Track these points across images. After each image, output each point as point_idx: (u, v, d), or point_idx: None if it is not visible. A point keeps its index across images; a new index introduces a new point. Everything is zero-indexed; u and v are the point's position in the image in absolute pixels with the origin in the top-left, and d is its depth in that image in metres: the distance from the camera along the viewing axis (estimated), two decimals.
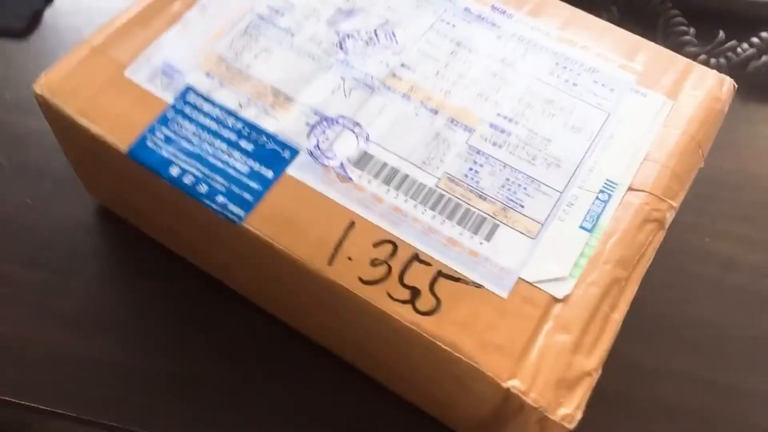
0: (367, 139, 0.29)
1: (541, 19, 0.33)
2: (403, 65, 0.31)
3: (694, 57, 0.36)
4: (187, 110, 0.29)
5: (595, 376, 0.24)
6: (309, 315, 0.31)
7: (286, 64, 0.30)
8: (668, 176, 0.28)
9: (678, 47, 0.38)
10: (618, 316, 0.25)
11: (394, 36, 0.32)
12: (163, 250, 0.34)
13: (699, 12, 0.39)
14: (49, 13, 0.44)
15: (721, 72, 0.32)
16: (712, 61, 0.38)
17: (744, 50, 0.38)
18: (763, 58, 0.38)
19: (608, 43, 0.33)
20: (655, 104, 0.31)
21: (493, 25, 0.33)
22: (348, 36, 0.31)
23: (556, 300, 0.25)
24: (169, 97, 0.29)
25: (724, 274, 0.35)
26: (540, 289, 0.25)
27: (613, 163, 0.29)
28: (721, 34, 0.38)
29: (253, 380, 0.32)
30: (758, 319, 0.34)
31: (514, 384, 0.24)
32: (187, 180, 0.27)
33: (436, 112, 0.29)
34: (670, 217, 0.28)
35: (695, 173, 0.30)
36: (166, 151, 0.28)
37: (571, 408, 0.23)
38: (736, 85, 0.32)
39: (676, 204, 0.28)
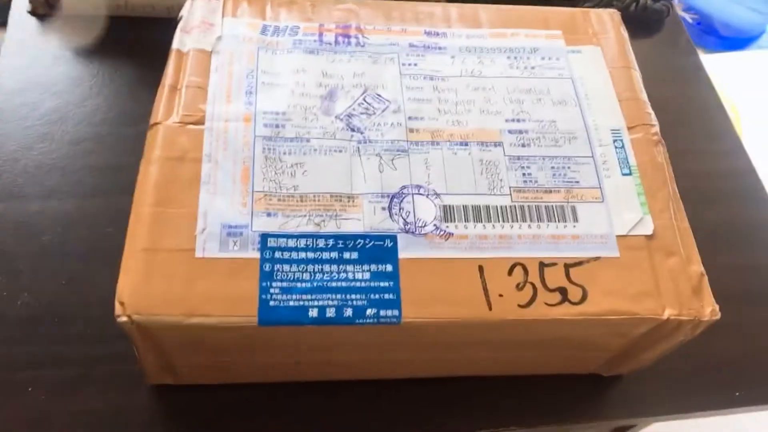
0: (437, 194, 0.31)
1: (467, 26, 0.38)
2: (410, 118, 0.33)
3: None
4: (278, 254, 0.29)
5: (705, 273, 0.31)
6: (439, 360, 0.34)
7: (324, 168, 0.31)
8: (640, 105, 0.36)
9: (574, 4, 0.45)
10: (686, 224, 0.32)
11: (381, 97, 0.34)
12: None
13: None
14: None
15: None
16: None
17: None
18: (641, 0, 0.48)
19: (525, 22, 0.38)
20: (592, 56, 0.37)
21: (439, 49, 0.36)
22: (349, 117, 0.33)
23: (649, 237, 0.31)
24: (252, 253, 0.29)
25: None
26: (634, 235, 0.31)
27: (604, 115, 0.35)
28: None
29: None
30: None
31: (670, 313, 0.30)
32: (330, 313, 0.28)
33: (466, 144, 0.33)
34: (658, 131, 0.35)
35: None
36: (293, 301, 0.28)
37: (710, 304, 0.30)
38: (619, 12, 0.40)
39: (656, 122, 0.35)
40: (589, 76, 0.36)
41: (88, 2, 0.46)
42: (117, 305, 0.27)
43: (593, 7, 0.49)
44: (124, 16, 0.47)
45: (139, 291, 0.27)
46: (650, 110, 0.36)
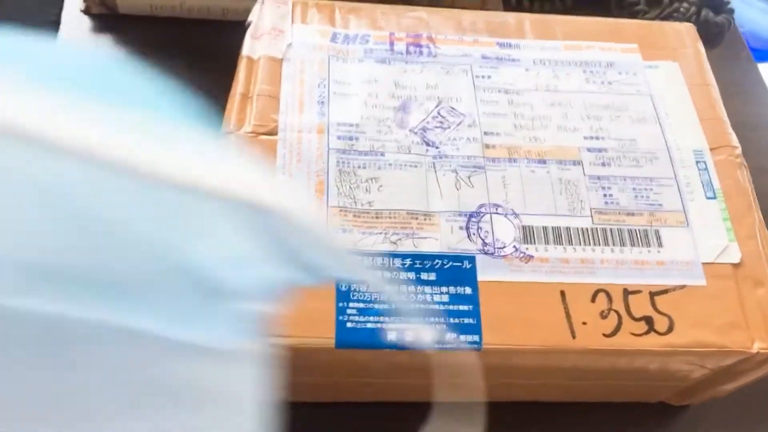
0: (515, 214, 0.30)
1: (541, 38, 0.36)
2: (486, 133, 0.32)
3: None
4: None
5: None
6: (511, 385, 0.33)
7: (400, 184, 0.30)
8: (722, 125, 0.34)
9: (633, 16, 0.43)
10: None
11: (456, 110, 0.33)
12: None
13: None
14: None
15: None
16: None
17: (686, 9, 0.45)
18: (702, 12, 0.46)
19: (599, 34, 0.37)
20: (669, 71, 0.36)
21: (513, 61, 0.35)
22: (423, 130, 0.32)
23: (736, 265, 0.30)
24: None
25: None
26: (720, 263, 0.30)
27: (686, 135, 0.33)
28: None
29: None
30: None
31: (759, 346, 0.28)
32: (409, 336, 0.27)
33: (544, 162, 0.32)
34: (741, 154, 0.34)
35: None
36: (370, 323, 0.27)
37: None
38: (695, 26, 0.39)
39: (738, 143, 0.34)
40: (668, 93, 0.35)
41: (144, 2, 0.45)
42: None
43: (656, 19, 0.48)
44: (180, 18, 0.46)
45: None
46: (731, 131, 0.34)
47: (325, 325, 0.27)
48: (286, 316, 0.27)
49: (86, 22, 0.46)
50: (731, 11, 0.49)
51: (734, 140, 0.34)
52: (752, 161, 0.42)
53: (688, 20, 0.49)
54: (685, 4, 0.47)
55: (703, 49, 0.37)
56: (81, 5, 0.46)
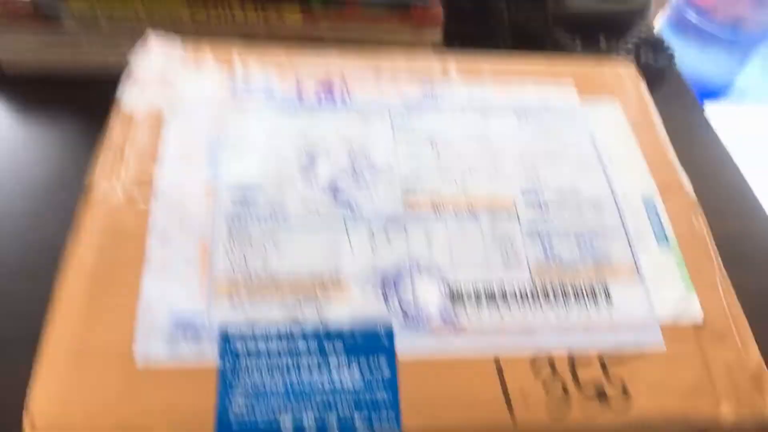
0: (441, 274, 0.26)
1: (468, 80, 0.33)
2: (407, 186, 0.28)
3: None
4: (242, 353, 0.23)
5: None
6: None
7: (303, 245, 0.26)
8: (671, 166, 0.31)
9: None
10: (737, 303, 0.27)
11: (372, 162, 0.29)
12: None
13: (578, 24, 0.43)
14: None
15: None
16: None
17: (624, 55, 0.43)
18: (642, 57, 0.44)
19: (531, 73, 0.34)
20: (610, 110, 0.33)
21: (438, 107, 0.32)
22: (334, 186, 0.28)
23: (697, 320, 0.26)
24: (210, 352, 0.23)
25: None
26: (679, 319, 0.26)
27: (632, 179, 0.30)
28: (602, 41, 0.43)
29: None
30: None
31: (728, 411, 0.24)
32: (309, 428, 0.22)
33: (474, 214, 0.28)
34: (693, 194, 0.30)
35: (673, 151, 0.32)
36: (259, 413, 0.22)
37: None
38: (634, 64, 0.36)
39: (690, 185, 0.30)
40: (610, 134, 0.32)
41: (32, 60, 0.41)
42: (26, 422, 0.21)
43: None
44: (76, 75, 0.42)
45: (59, 402, 0.21)
46: (682, 172, 0.31)
47: (204, 417, 0.22)
48: (153, 408, 0.22)
49: None
50: (671, 56, 0.47)
51: (686, 183, 0.30)
52: (707, 205, 0.38)
53: None
54: (621, 50, 0.45)
55: (645, 89, 0.35)
56: None
